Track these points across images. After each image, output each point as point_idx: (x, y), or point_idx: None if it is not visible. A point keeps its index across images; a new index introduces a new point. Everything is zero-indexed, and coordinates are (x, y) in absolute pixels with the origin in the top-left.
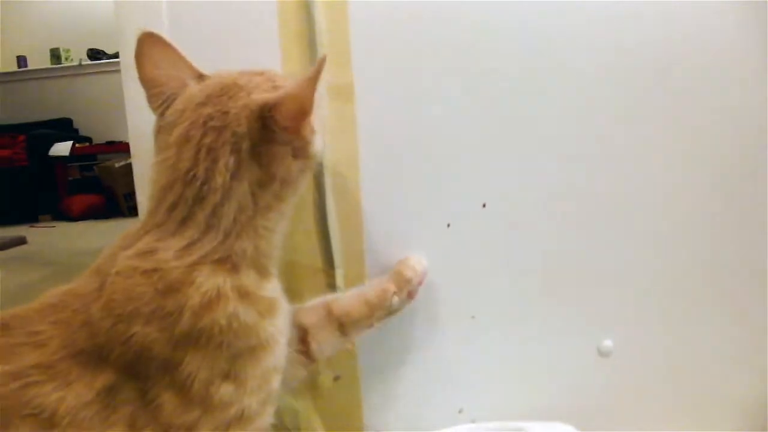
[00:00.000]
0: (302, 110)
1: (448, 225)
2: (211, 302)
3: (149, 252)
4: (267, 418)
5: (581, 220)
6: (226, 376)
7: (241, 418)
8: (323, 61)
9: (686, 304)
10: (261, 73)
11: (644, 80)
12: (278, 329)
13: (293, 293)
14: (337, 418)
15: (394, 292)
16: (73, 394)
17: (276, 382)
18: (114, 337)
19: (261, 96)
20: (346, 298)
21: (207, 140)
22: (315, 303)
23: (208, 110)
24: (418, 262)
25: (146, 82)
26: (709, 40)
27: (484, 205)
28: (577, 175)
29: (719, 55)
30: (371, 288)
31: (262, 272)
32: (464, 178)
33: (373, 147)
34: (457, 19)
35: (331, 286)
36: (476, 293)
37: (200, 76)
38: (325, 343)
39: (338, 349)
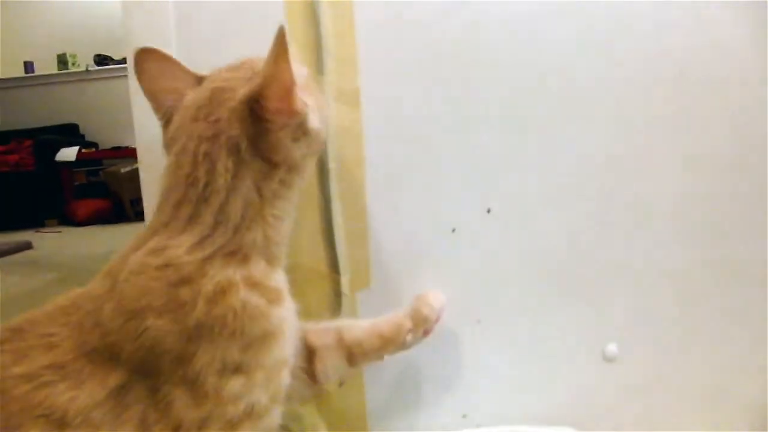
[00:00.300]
0: (285, 86)
1: (454, 230)
2: (224, 290)
3: (160, 249)
4: (275, 417)
5: (586, 225)
6: (237, 369)
7: (251, 413)
8: (282, 31)
9: (689, 308)
10: (240, 66)
11: (652, 84)
12: (285, 318)
13: (298, 298)
14: (342, 423)
15: (409, 330)
16: (85, 394)
17: (285, 376)
18: (126, 334)
19: (242, 92)
20: (359, 328)
21: (203, 148)
22: (327, 325)
23: (200, 123)
24: (435, 298)
25: (148, 96)
26: (714, 44)
27: (489, 211)
28: (582, 180)
29: (724, 59)
30: (386, 321)
31: (272, 261)
32: (469, 184)
33: (379, 152)
34: (462, 24)
35: (336, 292)
36: (481, 298)
37: (199, 80)
38: (331, 368)
39: (343, 376)
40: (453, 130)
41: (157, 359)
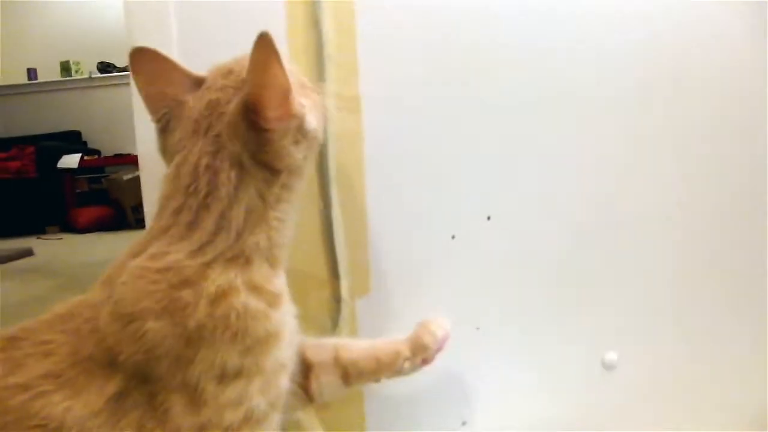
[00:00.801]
0: (282, 92)
1: (453, 237)
2: (226, 292)
3: (161, 254)
4: (274, 424)
5: (585, 233)
6: (237, 374)
7: (250, 419)
8: (268, 36)
9: (688, 312)
10: (231, 71)
11: (650, 87)
12: (284, 322)
13: (298, 303)
14: (341, 429)
15: (407, 358)
16: (81, 404)
17: (284, 381)
18: (124, 338)
19: (234, 105)
20: (357, 348)
21: (204, 161)
22: (325, 342)
23: (201, 138)
24: (439, 326)
25: (144, 97)
26: (714, 44)
27: (488, 218)
28: (581, 188)
29: (725, 59)
30: (385, 345)
31: (274, 263)
32: (469, 191)
33: (379, 159)
34: (462, 32)
35: (337, 297)
36: (481, 305)
37: (197, 81)
38: (325, 385)
39: (338, 395)
40: (453, 136)
41: (156, 363)
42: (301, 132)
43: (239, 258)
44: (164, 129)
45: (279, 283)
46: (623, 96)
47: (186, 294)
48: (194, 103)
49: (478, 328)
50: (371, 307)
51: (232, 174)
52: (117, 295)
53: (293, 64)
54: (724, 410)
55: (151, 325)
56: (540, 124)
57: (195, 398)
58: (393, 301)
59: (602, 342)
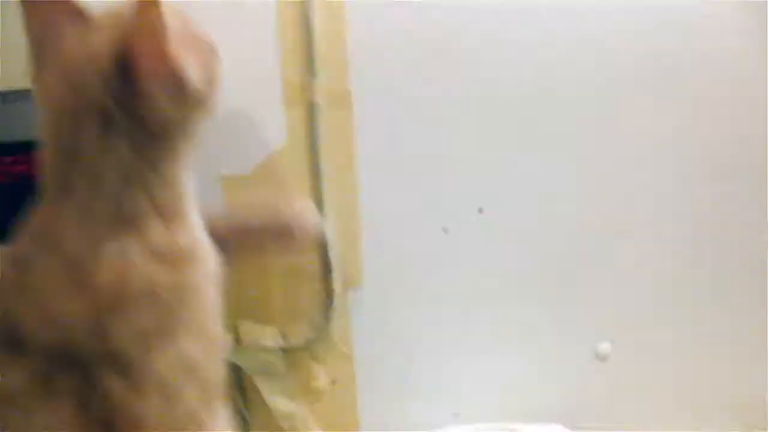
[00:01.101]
0: (156, 40)
1: (445, 230)
2: (123, 272)
3: (47, 231)
4: (218, 372)
5: (578, 224)
6: (161, 341)
7: (192, 372)
8: None
9: (684, 306)
10: (114, 14)
11: (648, 83)
12: (200, 276)
13: (290, 296)
14: (334, 421)
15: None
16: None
17: (216, 326)
18: (38, 321)
19: (107, 51)
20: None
21: (72, 116)
22: None
23: (70, 87)
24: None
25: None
26: (714, 44)
27: (480, 210)
28: (574, 179)
29: (724, 59)
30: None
31: (170, 218)
32: (461, 184)
33: (371, 153)
34: (454, 26)
35: (329, 291)
36: (473, 297)
37: (80, 14)
38: None
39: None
40: (444, 129)
41: (76, 348)
42: (178, 87)
43: (125, 223)
44: (39, 56)
45: (185, 238)
46: (619, 90)
47: (83, 274)
48: (70, 42)
49: (470, 320)
50: (364, 299)
51: (102, 130)
52: (19, 283)
53: (185, 16)
54: (724, 409)
55: (57, 307)
56: (532, 117)
57: (131, 380)
58: (385, 294)
59: (597, 335)
